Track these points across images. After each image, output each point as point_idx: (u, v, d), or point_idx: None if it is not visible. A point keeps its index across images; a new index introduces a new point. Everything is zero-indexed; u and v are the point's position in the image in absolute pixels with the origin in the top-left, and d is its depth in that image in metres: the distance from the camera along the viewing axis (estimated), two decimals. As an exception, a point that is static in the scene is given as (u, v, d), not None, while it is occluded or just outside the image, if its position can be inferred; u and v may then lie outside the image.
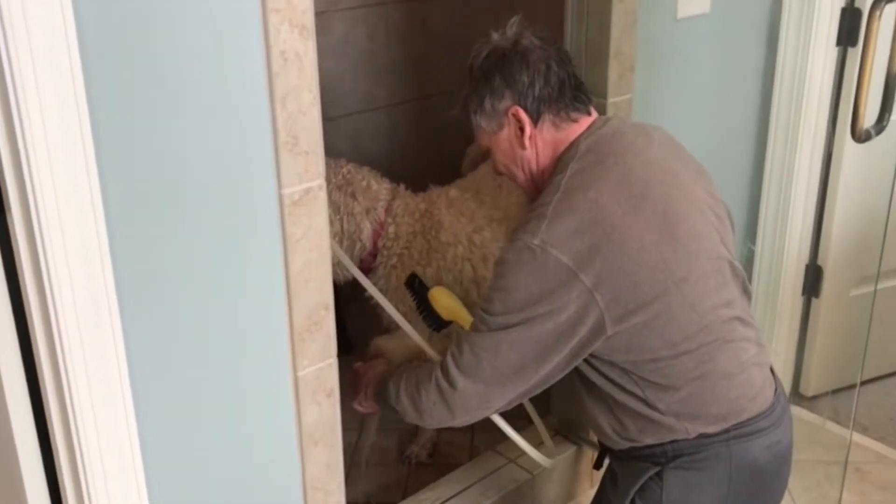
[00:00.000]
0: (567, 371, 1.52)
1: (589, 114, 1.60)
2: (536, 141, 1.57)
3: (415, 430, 2.41)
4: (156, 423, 1.32)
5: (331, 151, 2.72)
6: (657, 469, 1.56)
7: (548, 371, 1.49)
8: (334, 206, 2.07)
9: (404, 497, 2.19)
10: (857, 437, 2.47)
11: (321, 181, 1.42)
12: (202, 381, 1.38)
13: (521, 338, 1.45)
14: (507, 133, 1.59)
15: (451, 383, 1.53)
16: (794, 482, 1.72)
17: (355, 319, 2.39)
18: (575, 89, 1.58)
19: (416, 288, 1.87)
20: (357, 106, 2.87)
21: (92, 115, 1.12)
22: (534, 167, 1.60)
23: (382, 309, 2.12)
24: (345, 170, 2.13)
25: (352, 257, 2.07)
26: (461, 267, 2.09)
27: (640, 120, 2.00)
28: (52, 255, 1.12)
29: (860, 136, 1.89)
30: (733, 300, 1.55)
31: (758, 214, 2.42)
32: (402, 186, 2.19)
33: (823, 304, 2.54)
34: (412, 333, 1.85)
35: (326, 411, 1.55)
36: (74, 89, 1.09)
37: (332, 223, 2.04)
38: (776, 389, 1.61)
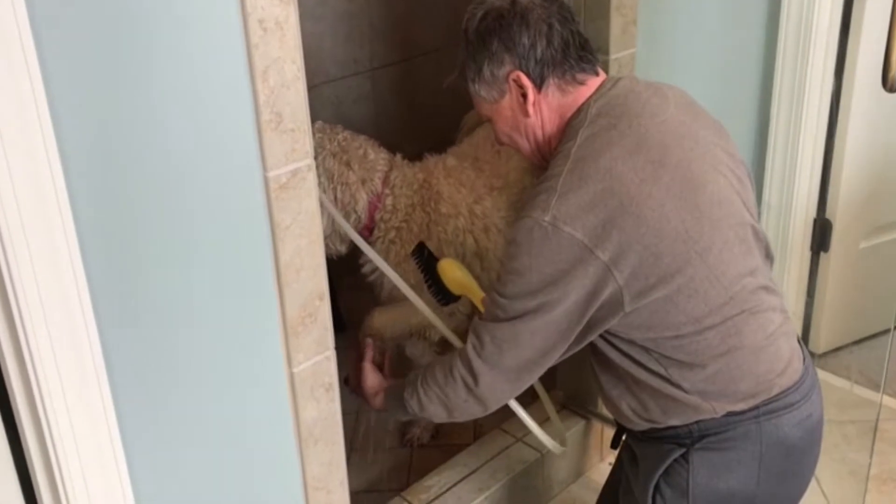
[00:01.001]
0: (580, 346, 1.44)
1: (597, 74, 1.49)
2: (541, 107, 1.46)
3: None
4: (141, 427, 1.24)
5: (314, 119, 2.65)
6: (682, 451, 1.47)
7: (566, 348, 1.42)
8: (328, 175, 1.95)
9: (409, 482, 2.12)
10: (869, 394, 2.40)
11: (310, 161, 1.30)
12: (189, 383, 1.29)
13: (541, 324, 1.37)
14: (508, 101, 1.48)
15: (477, 377, 1.44)
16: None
17: (348, 293, 2.28)
18: (580, 48, 1.46)
19: (425, 258, 1.75)
20: (338, 71, 2.76)
21: (49, 92, 0.99)
22: (539, 135, 1.49)
23: (379, 284, 2.03)
24: (340, 136, 2.01)
25: (345, 235, 1.95)
26: (463, 239, 2.00)
27: (644, 76, 1.89)
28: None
29: (892, 86, 1.79)
30: (757, 268, 1.45)
31: (764, 168, 2.33)
32: (398, 156, 2.08)
33: (833, 258, 2.47)
34: (423, 308, 1.75)
35: (326, 407, 1.47)
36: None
37: (325, 192, 1.94)
38: (804, 359, 1.52)
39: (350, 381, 1.74)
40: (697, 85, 2.04)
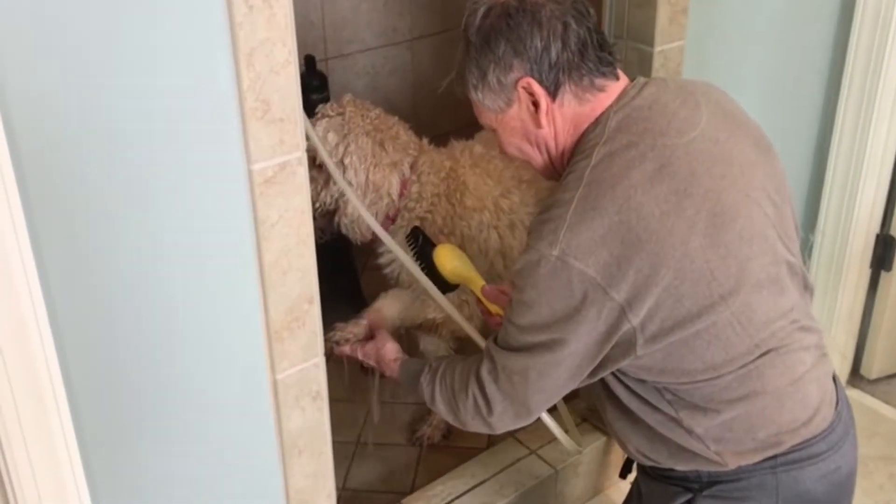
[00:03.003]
0: (588, 383, 1.33)
1: (617, 78, 1.31)
2: (555, 117, 1.29)
3: (427, 409, 2.21)
4: (107, 436, 1.17)
5: (346, 90, 2.57)
6: (689, 496, 1.35)
7: (571, 388, 1.32)
8: (360, 154, 1.83)
9: (413, 485, 2.03)
10: (925, 429, 2.22)
11: (300, 154, 1.20)
12: (162, 385, 1.21)
13: (550, 362, 1.26)
14: (517, 110, 1.31)
15: (490, 404, 1.35)
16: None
17: (370, 273, 2.19)
18: (598, 49, 1.28)
19: (420, 244, 1.64)
20: (374, 40, 2.65)
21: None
22: (553, 148, 1.32)
23: (395, 277, 1.92)
24: (373, 114, 1.90)
25: (376, 215, 1.85)
26: (486, 235, 1.88)
27: (692, 72, 1.72)
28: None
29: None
30: (793, 307, 1.30)
31: (823, 176, 2.14)
32: (425, 141, 1.96)
33: (895, 278, 2.26)
34: (443, 304, 1.63)
35: (312, 416, 1.38)
36: None
37: (356, 173, 1.83)
38: (837, 403, 1.36)
39: (366, 346, 1.65)
40: (751, 85, 1.91)
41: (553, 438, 1.91)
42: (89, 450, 1.13)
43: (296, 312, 1.28)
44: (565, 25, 1.24)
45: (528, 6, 1.25)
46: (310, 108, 2.34)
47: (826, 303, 2.25)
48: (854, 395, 2.34)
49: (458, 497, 1.87)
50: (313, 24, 2.45)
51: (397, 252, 1.63)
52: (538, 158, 1.35)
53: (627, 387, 1.32)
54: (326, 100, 2.38)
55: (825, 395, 1.33)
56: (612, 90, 1.30)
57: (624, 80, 1.32)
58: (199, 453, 1.28)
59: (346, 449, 2.14)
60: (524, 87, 1.27)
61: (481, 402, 1.34)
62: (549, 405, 1.39)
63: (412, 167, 1.87)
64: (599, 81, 1.28)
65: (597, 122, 1.28)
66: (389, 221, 1.89)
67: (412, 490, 1.96)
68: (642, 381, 1.30)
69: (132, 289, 1.12)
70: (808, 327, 1.33)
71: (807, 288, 1.37)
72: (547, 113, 1.28)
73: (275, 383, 1.30)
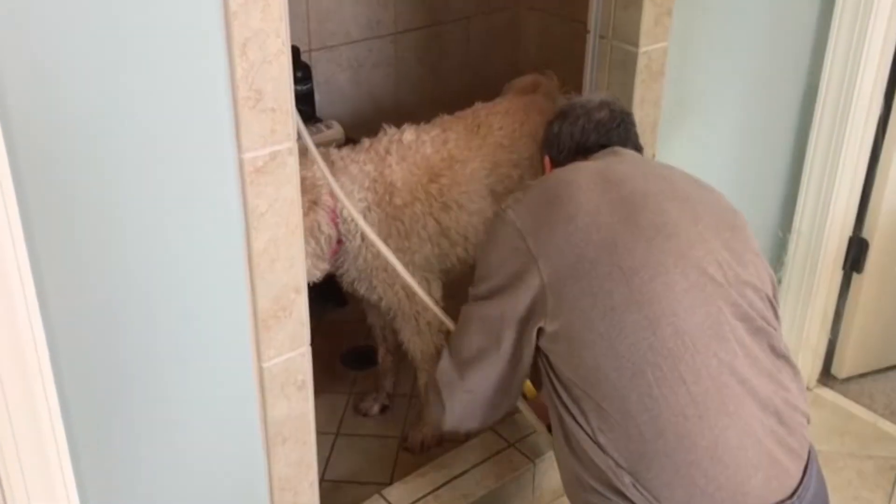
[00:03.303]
0: (523, 360, 1.43)
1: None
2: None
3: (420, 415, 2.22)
4: (91, 419, 1.17)
5: (331, 83, 2.58)
6: None
7: (507, 354, 1.42)
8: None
9: (393, 476, 2.04)
10: (892, 429, 2.26)
11: (291, 144, 1.21)
12: (147, 371, 1.21)
13: (485, 315, 1.43)
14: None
15: (441, 358, 1.54)
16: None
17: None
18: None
19: None
20: (359, 33, 2.63)
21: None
22: None
23: (356, 292, 1.94)
24: None
25: (323, 254, 1.83)
26: (423, 223, 1.88)
27: (674, 74, 1.76)
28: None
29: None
30: (735, 354, 1.28)
31: (800, 178, 2.18)
32: (344, 150, 1.90)
33: (867, 280, 2.31)
34: (411, 282, 1.69)
35: (297, 405, 1.39)
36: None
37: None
38: (803, 475, 1.30)
39: None
40: (733, 88, 1.94)
41: (532, 431, 1.93)
42: (75, 430, 1.13)
43: (283, 301, 1.29)
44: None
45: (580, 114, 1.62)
46: (294, 98, 2.35)
47: (800, 302, 2.28)
48: (825, 393, 2.38)
49: (437, 489, 1.87)
50: (298, 16, 2.43)
51: (374, 239, 1.66)
52: None
53: (561, 398, 1.36)
54: (310, 91, 2.40)
55: (773, 463, 1.27)
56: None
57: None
58: (184, 438, 1.29)
59: (327, 440, 2.15)
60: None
61: (440, 360, 1.53)
62: (478, 371, 1.46)
63: (331, 194, 1.81)
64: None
65: None
66: (338, 245, 1.87)
67: (391, 481, 1.96)
68: (568, 391, 1.34)
69: (120, 273, 1.13)
70: (753, 384, 1.28)
71: (775, 352, 1.34)
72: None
73: (261, 371, 1.31)
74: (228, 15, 1.07)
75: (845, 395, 2.37)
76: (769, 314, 1.36)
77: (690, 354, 1.25)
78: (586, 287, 1.30)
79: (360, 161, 1.86)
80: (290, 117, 1.19)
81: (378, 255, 1.81)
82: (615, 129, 1.56)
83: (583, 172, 1.44)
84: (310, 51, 2.51)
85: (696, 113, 1.89)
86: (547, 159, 1.63)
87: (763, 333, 1.33)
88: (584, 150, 1.56)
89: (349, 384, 2.33)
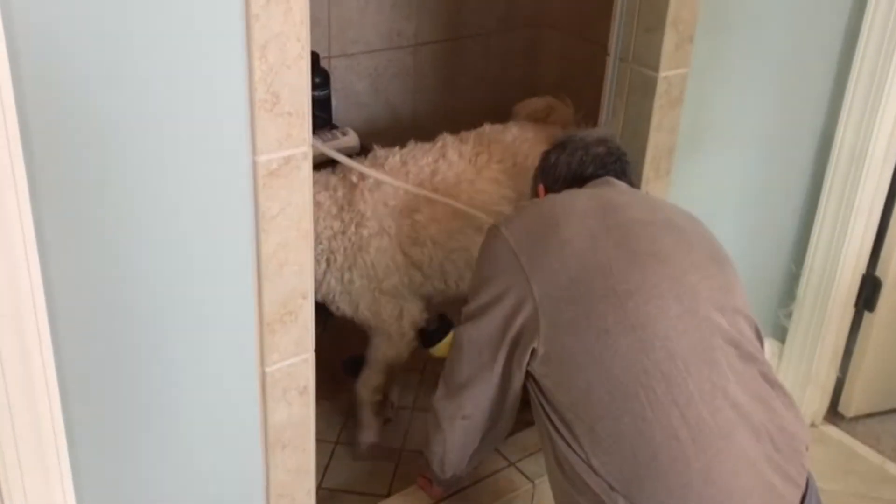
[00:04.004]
0: (513, 382, 1.43)
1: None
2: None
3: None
4: (91, 417, 1.16)
5: (349, 90, 2.59)
6: None
7: (499, 375, 1.43)
8: None
9: (391, 489, 2.03)
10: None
11: (306, 149, 1.20)
12: (149, 369, 1.21)
13: (476, 336, 1.42)
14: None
15: (436, 390, 1.54)
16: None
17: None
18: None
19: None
20: (379, 42, 2.62)
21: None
22: None
23: (337, 309, 1.93)
24: None
25: None
26: (392, 254, 1.86)
27: (694, 100, 1.75)
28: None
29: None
30: (719, 361, 1.28)
31: (815, 213, 2.16)
32: (319, 172, 1.89)
33: (878, 319, 2.29)
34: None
35: (298, 411, 1.38)
36: None
37: None
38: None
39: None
40: (752, 118, 1.94)
41: (533, 451, 1.92)
42: (74, 427, 1.12)
43: (290, 306, 1.28)
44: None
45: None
46: (312, 103, 2.35)
47: (809, 338, 2.26)
48: (831, 432, 2.35)
49: (435, 504, 1.86)
50: (319, 22, 2.44)
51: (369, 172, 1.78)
52: None
53: (552, 421, 1.35)
54: (328, 98, 2.40)
55: (760, 490, 1.25)
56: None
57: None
58: (183, 440, 1.28)
59: (326, 448, 2.14)
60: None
61: (438, 388, 1.53)
62: (471, 396, 1.47)
63: None
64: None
65: None
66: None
67: (389, 494, 1.95)
68: (559, 415, 1.33)
69: (127, 269, 1.12)
70: (745, 409, 1.27)
71: (769, 382, 1.33)
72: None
73: (263, 375, 1.30)
74: (250, 17, 1.07)
75: (852, 434, 2.34)
76: (758, 344, 1.37)
77: (683, 378, 1.25)
78: (580, 309, 1.30)
79: (332, 185, 1.86)
80: (306, 122, 1.19)
81: (341, 278, 1.84)
82: (612, 164, 1.57)
83: (579, 198, 1.45)
84: (329, 57, 2.51)
85: (713, 141, 1.88)
86: (541, 187, 1.63)
87: (754, 361, 1.33)
88: (579, 180, 1.56)
89: (350, 391, 2.32)
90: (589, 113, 1.97)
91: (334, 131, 2.36)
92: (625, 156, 1.60)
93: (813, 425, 2.34)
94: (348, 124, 2.45)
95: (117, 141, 1.05)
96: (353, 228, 1.83)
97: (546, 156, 1.63)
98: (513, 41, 2.87)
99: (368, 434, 2.11)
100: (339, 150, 2.06)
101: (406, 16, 2.65)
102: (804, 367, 2.28)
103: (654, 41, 1.65)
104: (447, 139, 1.95)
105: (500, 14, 2.79)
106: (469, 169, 1.89)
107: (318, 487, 2.00)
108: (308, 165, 1.21)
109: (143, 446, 1.24)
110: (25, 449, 1.06)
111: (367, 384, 2.05)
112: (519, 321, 1.35)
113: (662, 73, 1.67)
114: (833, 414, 2.40)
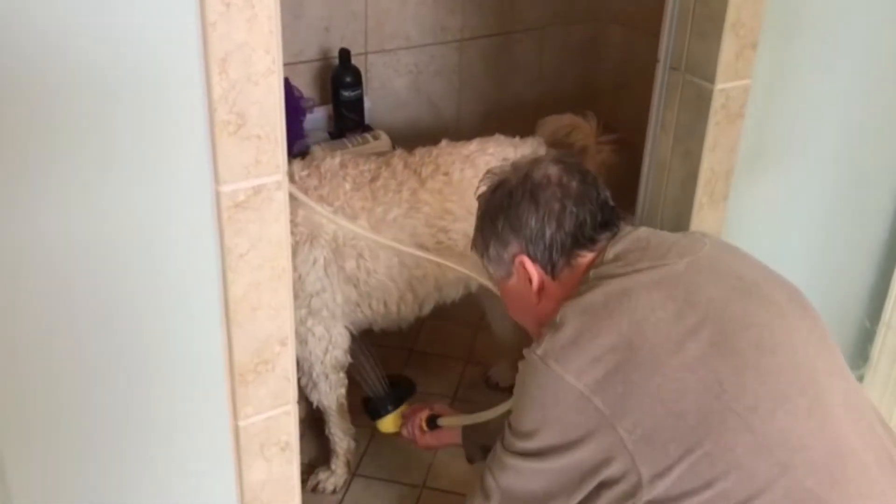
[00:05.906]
0: None
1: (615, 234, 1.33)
2: (550, 291, 1.31)
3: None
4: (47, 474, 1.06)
5: (387, 89, 2.44)
6: None
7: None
8: None
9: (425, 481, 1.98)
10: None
11: (280, 177, 1.06)
12: (112, 426, 1.09)
13: (543, 468, 1.20)
14: (515, 282, 1.35)
15: (487, 496, 1.30)
16: None
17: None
18: (601, 226, 1.30)
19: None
20: (421, 37, 2.50)
21: None
22: (545, 321, 1.28)
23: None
24: None
25: None
26: (325, 265, 1.74)
27: (757, 117, 1.54)
28: None
29: None
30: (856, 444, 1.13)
31: (893, 266, 1.95)
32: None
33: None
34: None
35: (279, 469, 1.25)
36: None
37: None
38: None
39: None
40: (826, 140, 1.72)
41: None
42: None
43: (265, 354, 1.14)
44: (563, 207, 1.28)
45: (529, 186, 1.30)
46: (341, 104, 2.22)
47: (885, 401, 2.06)
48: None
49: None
50: (355, 15, 2.33)
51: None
52: (534, 331, 1.34)
53: None
54: (359, 98, 2.26)
55: None
56: (605, 240, 1.31)
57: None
58: (156, 499, 1.17)
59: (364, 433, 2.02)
60: (520, 263, 1.31)
61: (480, 498, 1.30)
62: None
63: None
64: (594, 245, 1.30)
65: (588, 267, 1.29)
66: None
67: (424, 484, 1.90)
68: None
69: (81, 311, 1.00)
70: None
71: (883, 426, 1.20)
72: (539, 291, 1.31)
73: (236, 430, 1.17)
74: (206, 25, 0.92)
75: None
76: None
77: (838, 492, 1.09)
78: (694, 445, 1.09)
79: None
80: (279, 146, 1.03)
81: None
82: (598, 197, 1.31)
83: (636, 295, 1.17)
84: (365, 53, 2.39)
85: (779, 166, 1.67)
86: (530, 266, 1.29)
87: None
88: (584, 242, 1.29)
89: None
90: (633, 124, 1.79)
91: (365, 134, 2.24)
92: (590, 172, 1.34)
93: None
94: (385, 126, 2.36)
95: (53, 174, 0.90)
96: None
97: (513, 215, 1.29)
98: (570, 36, 2.74)
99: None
100: (372, 154, 1.94)
101: (451, 10, 2.51)
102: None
103: (710, 48, 1.44)
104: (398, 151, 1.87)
105: (556, 7, 2.66)
106: (412, 178, 1.79)
107: (353, 474, 2.00)
108: (283, 196, 1.06)
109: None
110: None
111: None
112: (607, 472, 1.14)
113: (719, 85, 1.46)
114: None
